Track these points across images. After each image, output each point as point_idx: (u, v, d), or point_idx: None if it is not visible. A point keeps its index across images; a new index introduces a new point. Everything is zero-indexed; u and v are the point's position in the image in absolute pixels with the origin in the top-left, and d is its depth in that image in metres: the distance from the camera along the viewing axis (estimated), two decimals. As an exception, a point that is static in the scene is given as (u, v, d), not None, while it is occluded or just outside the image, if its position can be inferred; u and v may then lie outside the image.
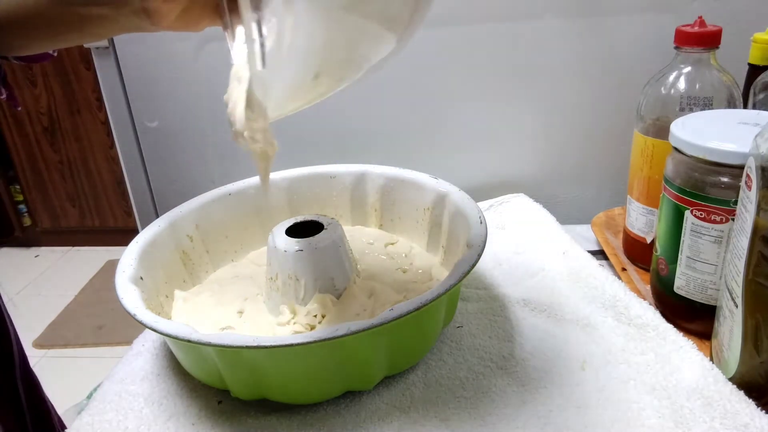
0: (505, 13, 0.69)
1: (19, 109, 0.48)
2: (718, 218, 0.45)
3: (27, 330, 1.72)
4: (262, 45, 0.32)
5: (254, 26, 0.32)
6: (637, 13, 0.68)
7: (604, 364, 0.46)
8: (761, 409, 0.40)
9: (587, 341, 0.48)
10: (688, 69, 0.54)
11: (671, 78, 0.55)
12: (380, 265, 0.56)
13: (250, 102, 0.35)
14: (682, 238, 0.48)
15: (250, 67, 0.33)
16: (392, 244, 0.61)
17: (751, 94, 0.55)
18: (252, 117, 0.36)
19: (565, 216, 0.70)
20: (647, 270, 0.59)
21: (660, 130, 0.54)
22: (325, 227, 0.52)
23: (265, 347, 0.38)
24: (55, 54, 0.52)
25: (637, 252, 0.61)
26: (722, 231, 0.45)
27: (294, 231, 0.52)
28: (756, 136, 0.38)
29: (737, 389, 0.41)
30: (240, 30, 0.38)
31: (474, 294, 0.56)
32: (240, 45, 0.37)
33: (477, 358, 0.48)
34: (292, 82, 0.35)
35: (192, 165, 0.81)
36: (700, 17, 0.53)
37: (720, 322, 0.44)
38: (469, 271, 0.43)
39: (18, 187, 2.14)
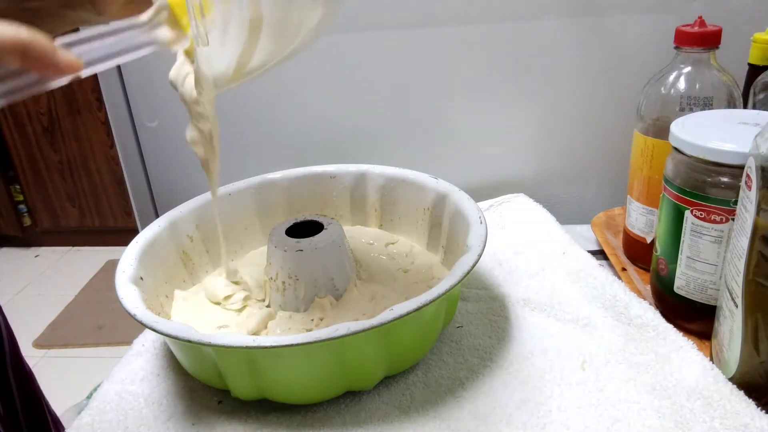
0: (505, 13, 0.69)
1: None
2: (718, 218, 0.45)
3: (27, 330, 1.72)
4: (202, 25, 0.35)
5: (196, 8, 0.35)
6: (637, 13, 0.68)
7: (604, 364, 0.46)
8: (761, 409, 0.40)
9: (587, 341, 0.48)
10: (688, 69, 0.54)
11: (671, 78, 0.55)
12: (381, 266, 0.56)
13: (198, 79, 0.38)
14: (682, 238, 0.48)
15: (196, 45, 0.36)
16: (392, 243, 0.61)
17: (751, 94, 0.55)
18: (200, 92, 0.39)
19: (565, 216, 0.70)
20: (647, 270, 0.59)
21: (660, 130, 0.54)
22: (325, 227, 0.52)
23: (265, 347, 0.38)
24: None
25: (637, 252, 0.61)
26: (722, 231, 0.45)
27: (294, 231, 0.52)
28: (756, 136, 0.38)
29: (737, 389, 0.41)
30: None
31: (474, 294, 0.56)
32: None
33: (477, 358, 0.48)
34: (234, 57, 0.38)
35: (192, 165, 0.80)
36: (700, 17, 0.53)
37: (720, 322, 0.44)
38: (469, 272, 0.43)
39: (18, 187, 2.14)
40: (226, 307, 0.52)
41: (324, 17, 0.38)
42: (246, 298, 0.52)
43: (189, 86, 0.40)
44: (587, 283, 0.55)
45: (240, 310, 0.51)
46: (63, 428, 0.65)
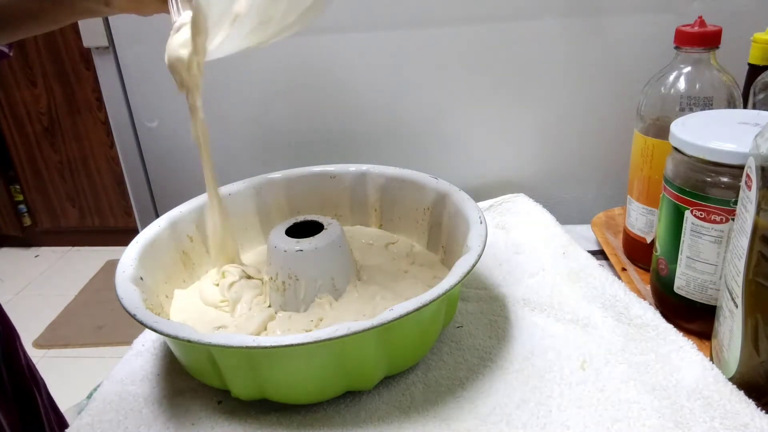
0: (504, 13, 0.69)
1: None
2: (718, 218, 0.45)
3: (27, 330, 1.72)
4: None
5: None
6: (637, 13, 0.68)
7: (604, 364, 0.46)
8: (761, 409, 0.40)
9: (587, 341, 0.48)
10: (688, 69, 0.54)
11: (671, 78, 0.55)
12: (381, 266, 0.56)
13: (195, 17, 0.39)
14: (682, 238, 0.48)
15: None
16: (393, 243, 0.61)
17: (751, 94, 0.55)
18: (195, 33, 0.39)
19: (565, 216, 0.70)
20: (647, 270, 0.59)
21: (660, 130, 0.54)
22: (325, 227, 0.52)
23: (265, 347, 0.38)
24: (11, 54, 0.53)
25: (637, 252, 0.61)
26: (722, 231, 0.45)
27: (294, 231, 0.52)
28: (756, 136, 0.38)
29: (737, 389, 0.41)
30: (185, 13, 0.43)
31: (474, 294, 0.56)
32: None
33: (477, 358, 0.48)
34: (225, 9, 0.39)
35: (192, 165, 0.81)
36: (700, 17, 0.53)
37: (720, 322, 0.44)
38: (469, 272, 0.43)
39: (18, 187, 2.14)
40: (224, 310, 0.52)
41: None
42: (234, 307, 0.52)
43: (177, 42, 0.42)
44: (587, 283, 0.55)
45: (232, 310, 0.51)
46: (67, 424, 0.64)
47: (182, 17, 0.43)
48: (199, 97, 0.46)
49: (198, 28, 0.39)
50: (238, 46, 0.44)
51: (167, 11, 0.45)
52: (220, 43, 0.42)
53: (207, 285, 0.54)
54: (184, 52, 0.42)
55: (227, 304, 0.52)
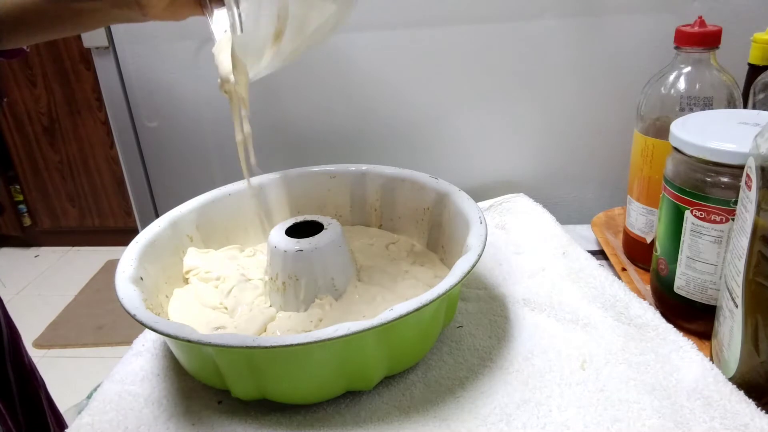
0: (505, 13, 0.69)
1: (6, 100, 0.51)
2: (718, 218, 0.45)
3: (27, 330, 1.72)
4: (239, 15, 0.41)
5: (233, 3, 0.40)
6: (637, 13, 0.68)
7: (604, 364, 0.46)
8: (761, 409, 0.40)
9: (587, 341, 0.48)
10: (688, 69, 0.54)
11: (671, 78, 0.55)
12: (381, 266, 0.56)
13: (235, 62, 0.43)
14: (682, 238, 0.48)
15: (232, 33, 0.41)
16: (393, 243, 0.61)
17: (751, 94, 0.55)
18: (236, 74, 0.44)
19: (565, 216, 0.70)
20: (647, 270, 0.59)
21: (660, 130, 0.54)
22: (325, 227, 0.52)
23: (265, 347, 0.38)
24: (28, 50, 0.54)
25: (637, 252, 0.61)
26: (722, 231, 0.45)
27: (294, 231, 0.52)
28: (756, 136, 0.38)
29: (737, 389, 0.41)
30: (219, 13, 0.47)
31: (474, 294, 0.56)
32: (221, 22, 0.47)
33: (477, 358, 0.48)
34: (262, 45, 0.44)
35: (192, 165, 0.81)
36: (700, 17, 0.53)
37: (720, 322, 0.44)
38: (469, 272, 0.43)
39: (18, 187, 2.14)
40: (223, 311, 0.52)
41: (337, 15, 0.42)
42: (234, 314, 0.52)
43: (225, 72, 0.46)
44: (587, 283, 0.55)
45: (231, 315, 0.51)
46: (66, 425, 0.65)
47: (222, 42, 0.46)
48: (242, 110, 0.49)
49: (237, 69, 0.44)
50: (276, 66, 0.48)
51: (201, 14, 0.47)
52: (256, 73, 0.47)
53: (204, 287, 0.54)
54: (232, 78, 0.45)
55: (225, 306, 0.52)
